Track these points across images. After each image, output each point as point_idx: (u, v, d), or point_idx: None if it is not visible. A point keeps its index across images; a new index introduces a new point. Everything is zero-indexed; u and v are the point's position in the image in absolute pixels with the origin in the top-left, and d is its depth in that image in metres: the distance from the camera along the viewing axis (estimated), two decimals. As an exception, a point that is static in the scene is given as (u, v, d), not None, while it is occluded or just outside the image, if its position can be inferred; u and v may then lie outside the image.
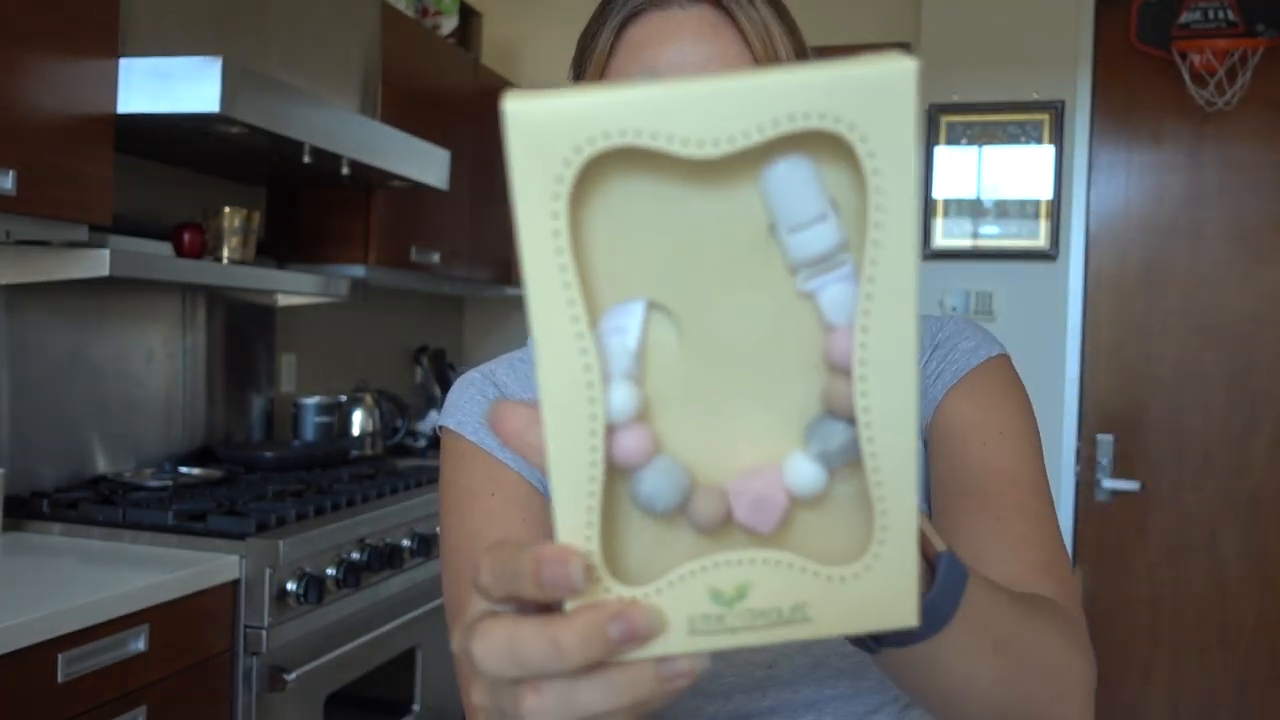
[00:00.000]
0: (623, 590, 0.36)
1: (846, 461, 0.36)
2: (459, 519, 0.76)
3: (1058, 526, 0.73)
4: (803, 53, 0.74)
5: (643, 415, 0.36)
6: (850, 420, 0.35)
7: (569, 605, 0.36)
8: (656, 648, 0.36)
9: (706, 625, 0.36)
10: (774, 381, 0.36)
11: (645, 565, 0.37)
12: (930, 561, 0.47)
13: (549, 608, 0.36)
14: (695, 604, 0.36)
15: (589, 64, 0.75)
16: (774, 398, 0.36)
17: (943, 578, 0.46)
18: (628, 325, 0.35)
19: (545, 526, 0.74)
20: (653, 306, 0.35)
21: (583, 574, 0.35)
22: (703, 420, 0.36)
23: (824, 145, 0.34)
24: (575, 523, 0.35)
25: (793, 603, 0.36)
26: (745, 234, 0.35)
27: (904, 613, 0.36)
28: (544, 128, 0.32)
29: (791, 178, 0.34)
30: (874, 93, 0.32)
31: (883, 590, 0.36)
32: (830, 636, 0.36)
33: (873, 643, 0.47)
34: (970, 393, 0.77)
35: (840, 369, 0.35)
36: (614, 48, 0.73)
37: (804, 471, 0.36)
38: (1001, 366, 0.80)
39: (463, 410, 0.80)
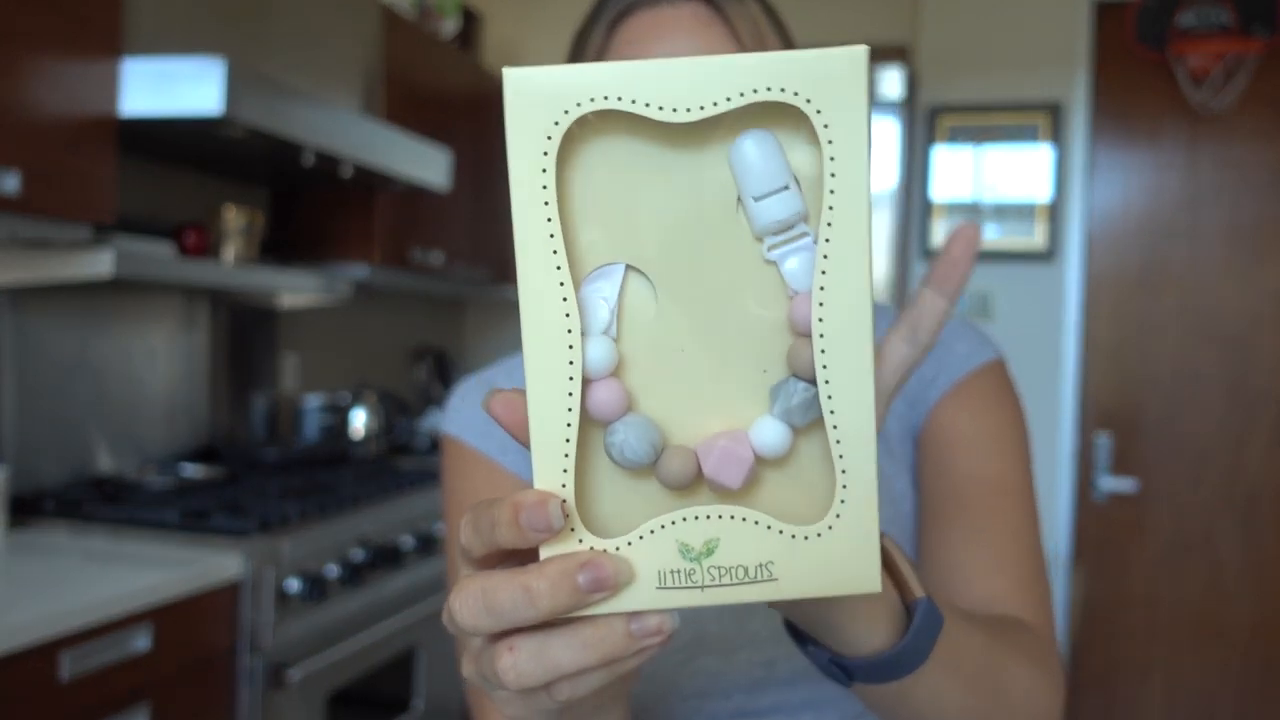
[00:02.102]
0: (595, 542, 0.37)
1: (808, 420, 0.38)
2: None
3: (1040, 541, 0.74)
4: (784, 34, 0.75)
5: (618, 371, 0.38)
6: (813, 381, 0.37)
7: (543, 555, 0.37)
8: (626, 602, 0.37)
9: (675, 580, 0.37)
10: (744, 344, 0.38)
11: (618, 520, 0.38)
12: (909, 606, 0.48)
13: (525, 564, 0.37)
14: (665, 559, 0.37)
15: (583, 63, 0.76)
16: (744, 360, 0.38)
17: (919, 623, 0.47)
18: (607, 286, 0.37)
19: None
20: (631, 270, 0.38)
21: (561, 514, 0.36)
22: (676, 379, 0.38)
23: (790, 125, 0.37)
24: (551, 470, 0.37)
25: (759, 561, 0.37)
26: (718, 204, 0.37)
27: (866, 578, 0.37)
28: (537, 92, 0.35)
29: (756, 150, 0.36)
30: (829, 72, 0.35)
31: (845, 551, 0.37)
32: (796, 598, 0.37)
33: (844, 676, 0.48)
34: (963, 401, 0.77)
35: (802, 333, 0.37)
36: (606, 46, 0.73)
37: (769, 430, 0.37)
38: (996, 372, 0.79)
39: (463, 416, 0.81)
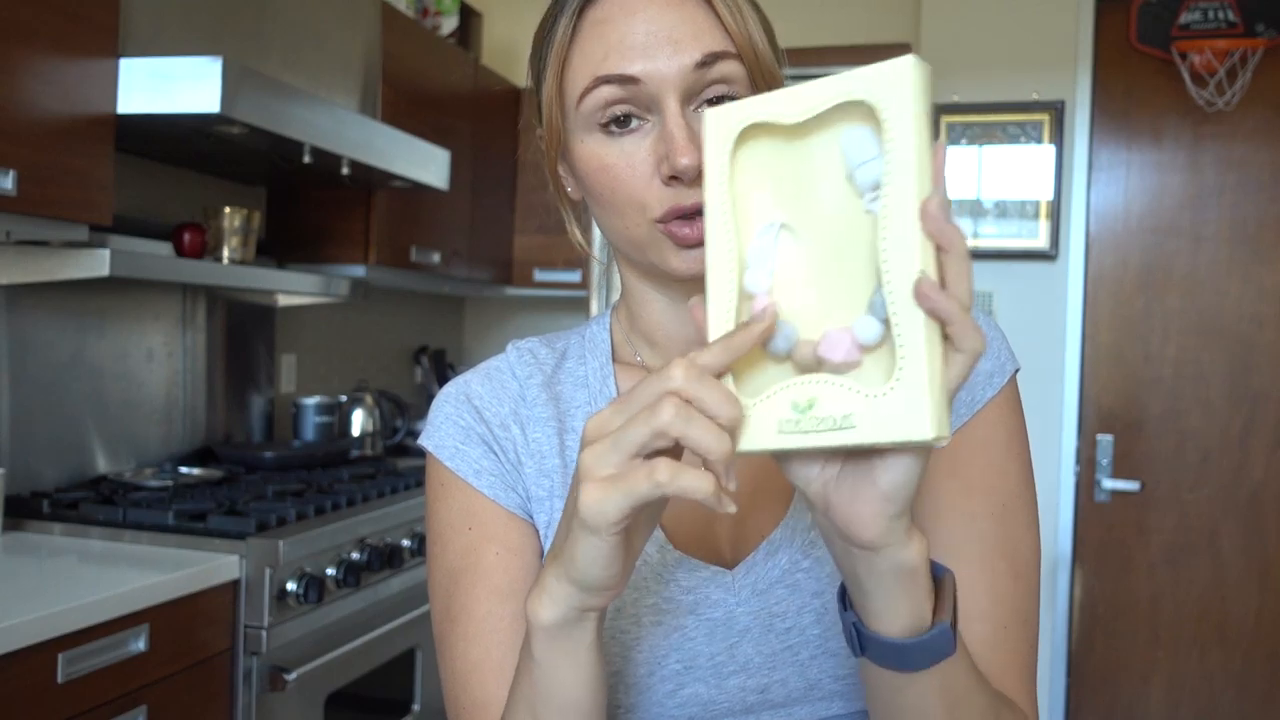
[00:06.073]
0: (741, 398, 0.52)
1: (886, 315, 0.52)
2: (441, 552, 0.78)
3: (1038, 585, 0.74)
4: (762, 16, 0.73)
5: (771, 292, 0.55)
6: None
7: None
8: (755, 442, 0.52)
9: (787, 427, 0.51)
10: (852, 270, 0.53)
11: (759, 389, 0.54)
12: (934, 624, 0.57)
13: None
14: (781, 412, 0.52)
15: (550, 53, 0.72)
16: (852, 280, 0.53)
17: (928, 638, 0.56)
18: (767, 237, 0.55)
19: (518, 556, 0.76)
20: (783, 226, 0.56)
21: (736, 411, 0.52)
22: (808, 296, 0.54)
23: (874, 120, 0.51)
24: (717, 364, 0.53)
25: (843, 412, 0.50)
26: (834, 177, 0.54)
27: (920, 427, 0.48)
28: (724, 117, 0.56)
29: (857, 135, 0.52)
30: (884, 77, 0.50)
31: (903, 407, 0.48)
32: (868, 444, 0.49)
33: (858, 647, 0.58)
34: (982, 445, 0.73)
35: None
36: (575, 30, 0.71)
37: (864, 323, 0.51)
38: (1010, 401, 0.76)
39: (440, 431, 0.80)
